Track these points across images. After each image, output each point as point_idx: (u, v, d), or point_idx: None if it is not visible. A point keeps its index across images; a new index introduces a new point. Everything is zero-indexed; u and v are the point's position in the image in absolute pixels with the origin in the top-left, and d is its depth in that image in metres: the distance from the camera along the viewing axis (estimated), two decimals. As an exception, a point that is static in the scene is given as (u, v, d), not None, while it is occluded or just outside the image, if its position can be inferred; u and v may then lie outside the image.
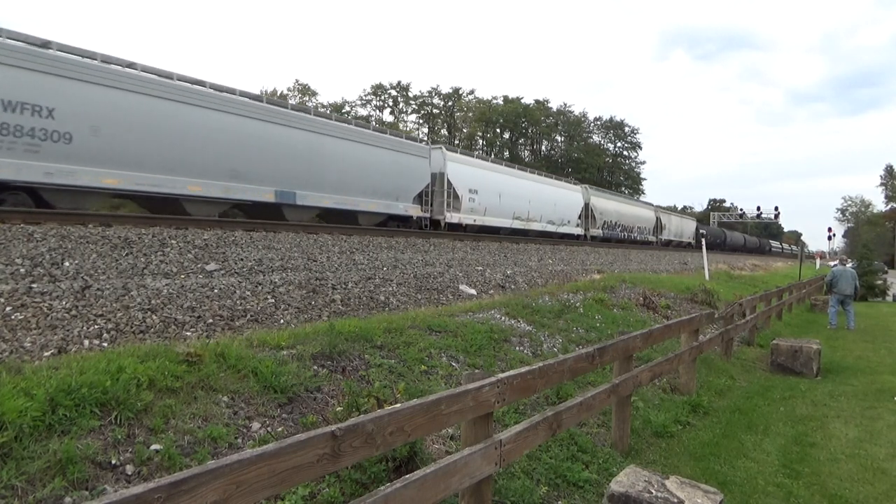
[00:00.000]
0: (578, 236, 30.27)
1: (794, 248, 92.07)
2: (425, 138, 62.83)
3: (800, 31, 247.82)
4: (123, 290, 6.48)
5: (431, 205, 20.33)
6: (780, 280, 25.76)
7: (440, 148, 21.33)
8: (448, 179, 20.45)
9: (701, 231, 50.18)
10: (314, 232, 12.92)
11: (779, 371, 9.87)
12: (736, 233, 65.16)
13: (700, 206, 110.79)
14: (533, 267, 15.61)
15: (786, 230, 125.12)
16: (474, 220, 21.61)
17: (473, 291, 10.88)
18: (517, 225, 24.78)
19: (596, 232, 32.58)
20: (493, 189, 22.88)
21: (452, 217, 20.46)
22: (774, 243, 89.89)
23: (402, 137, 19.82)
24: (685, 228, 48.24)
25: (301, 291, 8.11)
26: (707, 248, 21.92)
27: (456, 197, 20.67)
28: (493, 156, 70.68)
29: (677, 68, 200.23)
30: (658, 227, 42.18)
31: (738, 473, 5.27)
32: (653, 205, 45.24)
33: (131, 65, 12.17)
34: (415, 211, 19.33)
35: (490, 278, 12.38)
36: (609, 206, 35.15)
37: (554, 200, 28.10)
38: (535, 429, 4.02)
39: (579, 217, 30.89)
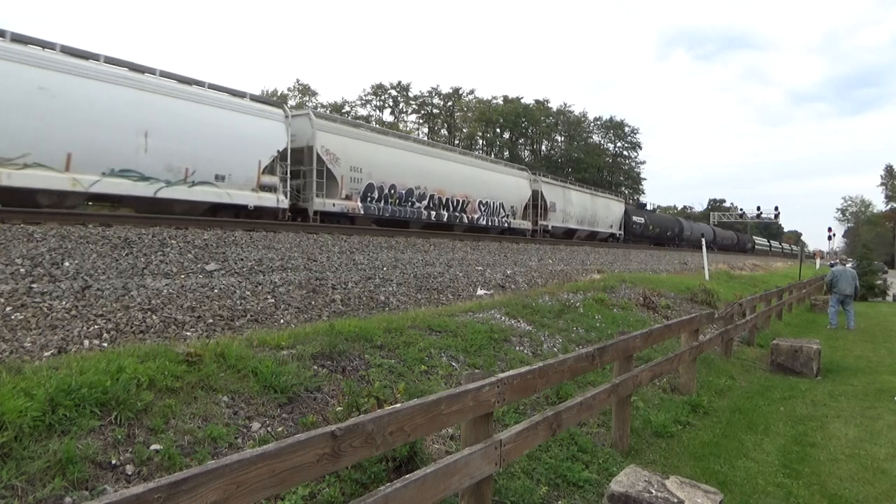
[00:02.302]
0: (280, 213, 14.44)
1: (787, 247, 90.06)
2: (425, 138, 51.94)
3: (800, 31, 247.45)
4: (123, 290, 6.48)
5: None
6: (780, 280, 25.77)
7: None
8: None
9: (635, 219, 35.87)
10: (314, 232, 12.93)
11: (779, 371, 9.87)
12: (702, 224, 51.73)
13: (700, 205, 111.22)
14: (533, 267, 15.62)
15: (786, 230, 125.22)
16: None
17: (483, 292, 10.90)
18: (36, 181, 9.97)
19: (342, 204, 16.19)
20: None
21: None
22: (761, 241, 73.41)
23: None
24: (600, 213, 32.57)
25: (301, 291, 8.11)
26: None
27: None
28: (493, 155, 68.10)
29: (677, 68, 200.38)
30: (538, 206, 26.55)
31: (738, 473, 5.27)
32: (528, 171, 27.80)
33: None
34: None
35: (490, 278, 12.39)
36: (387, 156, 17.95)
37: (194, 133, 12.43)
38: (535, 429, 4.01)
39: (285, 172, 14.77)
